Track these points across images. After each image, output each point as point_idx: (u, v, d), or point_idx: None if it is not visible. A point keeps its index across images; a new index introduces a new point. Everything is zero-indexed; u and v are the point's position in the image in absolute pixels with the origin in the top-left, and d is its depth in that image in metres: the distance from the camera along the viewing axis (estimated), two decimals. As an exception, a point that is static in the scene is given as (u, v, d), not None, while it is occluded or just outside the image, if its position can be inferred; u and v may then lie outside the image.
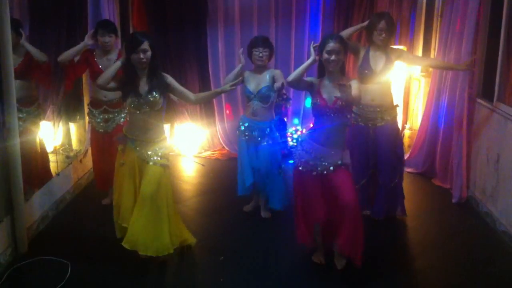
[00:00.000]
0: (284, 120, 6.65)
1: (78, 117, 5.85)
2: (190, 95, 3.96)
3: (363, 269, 3.87)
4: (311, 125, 4.02)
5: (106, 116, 4.91)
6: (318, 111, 3.80)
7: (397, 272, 4.03)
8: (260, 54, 4.67)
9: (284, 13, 6.77)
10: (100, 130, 4.94)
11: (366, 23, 4.78)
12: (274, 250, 4.34)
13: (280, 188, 4.83)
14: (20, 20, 4.73)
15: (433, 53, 6.30)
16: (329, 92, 3.77)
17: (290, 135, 6.88)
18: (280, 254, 4.27)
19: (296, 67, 6.71)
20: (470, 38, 5.07)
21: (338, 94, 3.72)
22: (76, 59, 4.80)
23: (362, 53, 4.69)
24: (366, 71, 4.63)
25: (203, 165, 6.63)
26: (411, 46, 6.65)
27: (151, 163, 3.84)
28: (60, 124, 5.70)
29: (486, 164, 4.98)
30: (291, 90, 6.71)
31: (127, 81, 3.82)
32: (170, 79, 3.87)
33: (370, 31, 4.65)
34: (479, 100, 5.21)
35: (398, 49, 5.09)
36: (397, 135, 4.85)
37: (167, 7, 6.69)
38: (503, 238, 4.56)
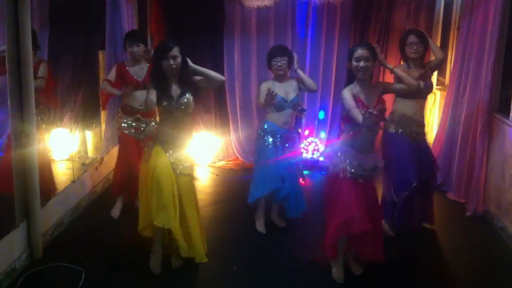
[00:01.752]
0: (298, 131, 6.62)
1: (94, 124, 5.90)
2: (215, 74, 3.92)
3: (378, 280, 3.89)
4: (344, 135, 3.97)
5: (138, 125, 4.98)
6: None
7: (409, 286, 4.01)
8: (279, 64, 4.66)
9: (300, 25, 6.79)
10: (129, 132, 4.99)
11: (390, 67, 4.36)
12: (288, 260, 4.32)
13: (301, 196, 4.80)
14: (35, 31, 4.79)
15: (449, 66, 6.28)
16: (366, 98, 3.79)
17: (305, 147, 6.86)
18: (294, 263, 4.25)
19: (310, 78, 6.79)
20: (492, 52, 5.08)
21: (376, 98, 3.79)
22: (112, 77, 4.87)
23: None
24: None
25: (217, 174, 6.65)
26: (427, 59, 6.62)
27: (185, 172, 3.89)
28: (77, 131, 5.75)
29: (501, 178, 4.94)
30: (305, 102, 6.73)
31: (159, 87, 3.78)
32: (194, 77, 3.90)
33: (402, 48, 4.70)
34: (495, 115, 5.19)
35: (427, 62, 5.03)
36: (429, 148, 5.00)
37: (184, 15, 6.75)
38: (519, 254, 4.52)
